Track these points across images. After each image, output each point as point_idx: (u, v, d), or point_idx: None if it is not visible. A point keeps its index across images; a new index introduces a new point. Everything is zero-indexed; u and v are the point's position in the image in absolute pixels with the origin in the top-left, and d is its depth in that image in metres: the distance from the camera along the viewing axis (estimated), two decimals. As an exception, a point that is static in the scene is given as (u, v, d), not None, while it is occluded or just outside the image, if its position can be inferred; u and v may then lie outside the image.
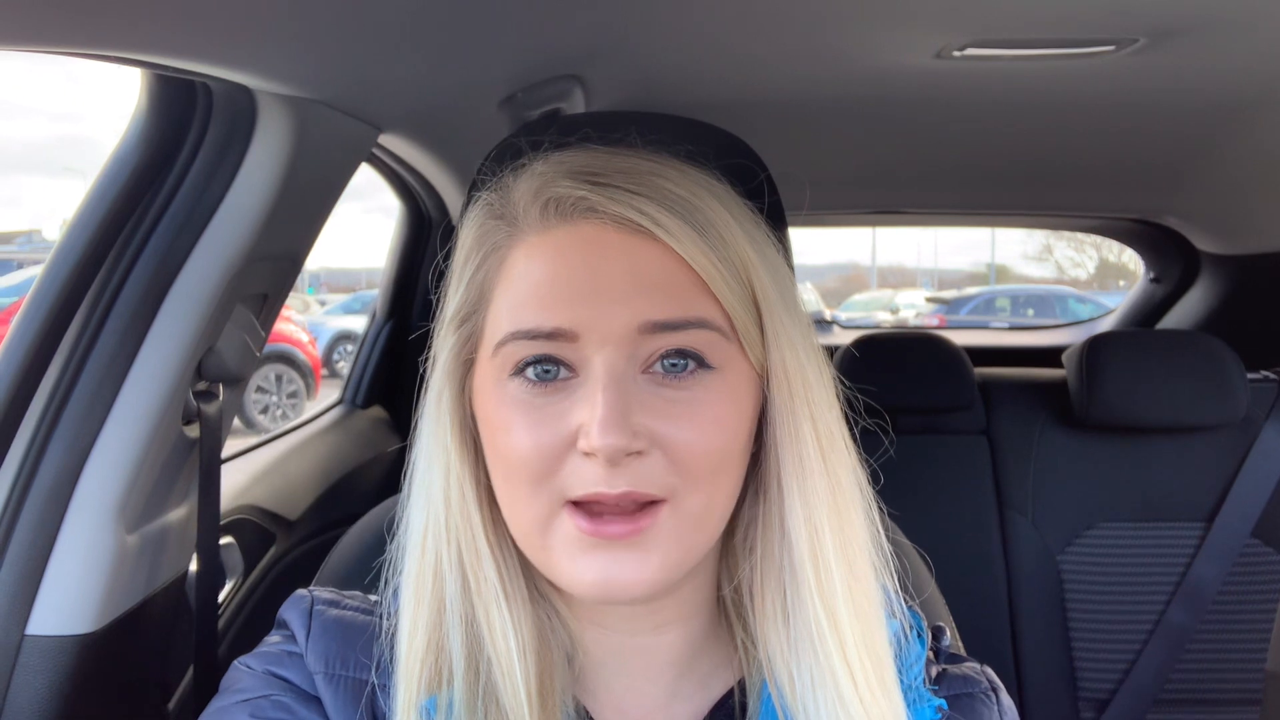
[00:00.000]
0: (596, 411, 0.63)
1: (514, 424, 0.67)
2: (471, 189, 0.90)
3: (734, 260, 0.68)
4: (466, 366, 0.73)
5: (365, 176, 2.02)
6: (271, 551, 1.63)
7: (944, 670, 0.79)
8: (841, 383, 0.74)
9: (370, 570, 0.98)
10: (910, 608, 0.77)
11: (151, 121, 1.07)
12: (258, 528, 1.59)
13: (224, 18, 0.85)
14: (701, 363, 0.67)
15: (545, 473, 0.66)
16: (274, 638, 0.77)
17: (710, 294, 0.67)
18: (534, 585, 0.74)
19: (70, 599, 1.04)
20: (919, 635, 0.77)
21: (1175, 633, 2.18)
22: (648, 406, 0.65)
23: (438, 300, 0.77)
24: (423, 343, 0.77)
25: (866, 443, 0.74)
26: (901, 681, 0.72)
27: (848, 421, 0.73)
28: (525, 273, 0.69)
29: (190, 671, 1.27)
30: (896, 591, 0.74)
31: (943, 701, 0.74)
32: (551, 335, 0.66)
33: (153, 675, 1.20)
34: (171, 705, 1.25)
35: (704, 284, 0.67)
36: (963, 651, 0.87)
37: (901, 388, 2.30)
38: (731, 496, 0.70)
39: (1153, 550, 2.22)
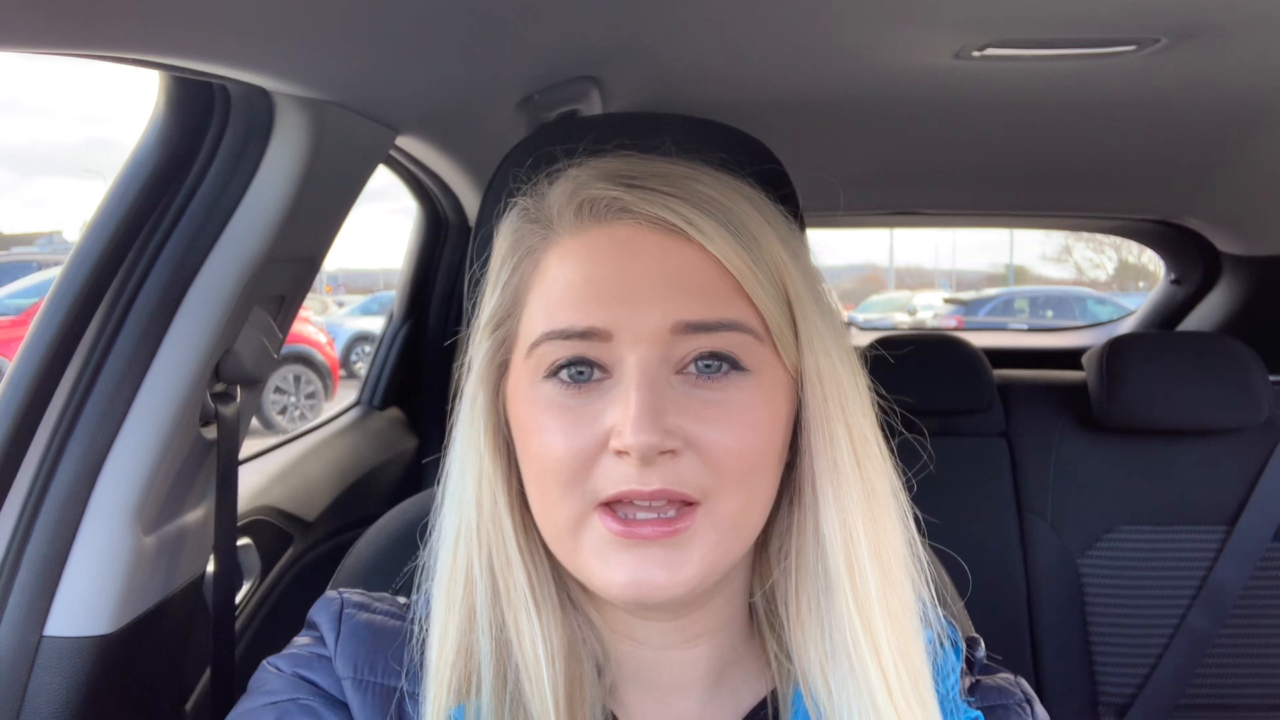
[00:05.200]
0: (629, 410, 0.63)
1: (547, 426, 0.67)
2: (488, 189, 0.90)
3: (768, 262, 0.68)
4: (501, 370, 0.73)
5: (390, 178, 2.03)
6: (289, 552, 1.63)
7: (978, 681, 0.78)
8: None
9: (388, 571, 0.99)
10: (945, 618, 0.76)
11: (169, 124, 1.07)
12: (275, 529, 1.60)
13: (241, 20, 0.85)
14: (735, 364, 0.67)
15: (578, 474, 0.66)
16: (303, 639, 0.77)
17: (744, 295, 0.67)
18: (566, 594, 0.73)
19: (88, 600, 1.04)
20: (954, 646, 0.76)
21: (1196, 637, 2.16)
22: (681, 407, 0.65)
23: (473, 306, 0.77)
24: (441, 344, 0.77)
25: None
26: (937, 692, 0.71)
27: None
28: (559, 274, 0.69)
29: (208, 673, 1.28)
30: (932, 601, 0.73)
31: (979, 714, 0.74)
32: (585, 335, 0.66)
33: (170, 676, 1.20)
34: (189, 706, 1.25)
35: (738, 285, 0.67)
36: None
37: (919, 390, 2.28)
38: (766, 501, 0.70)
39: (1174, 554, 2.20)
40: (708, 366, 0.66)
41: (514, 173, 0.80)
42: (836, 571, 0.68)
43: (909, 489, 0.72)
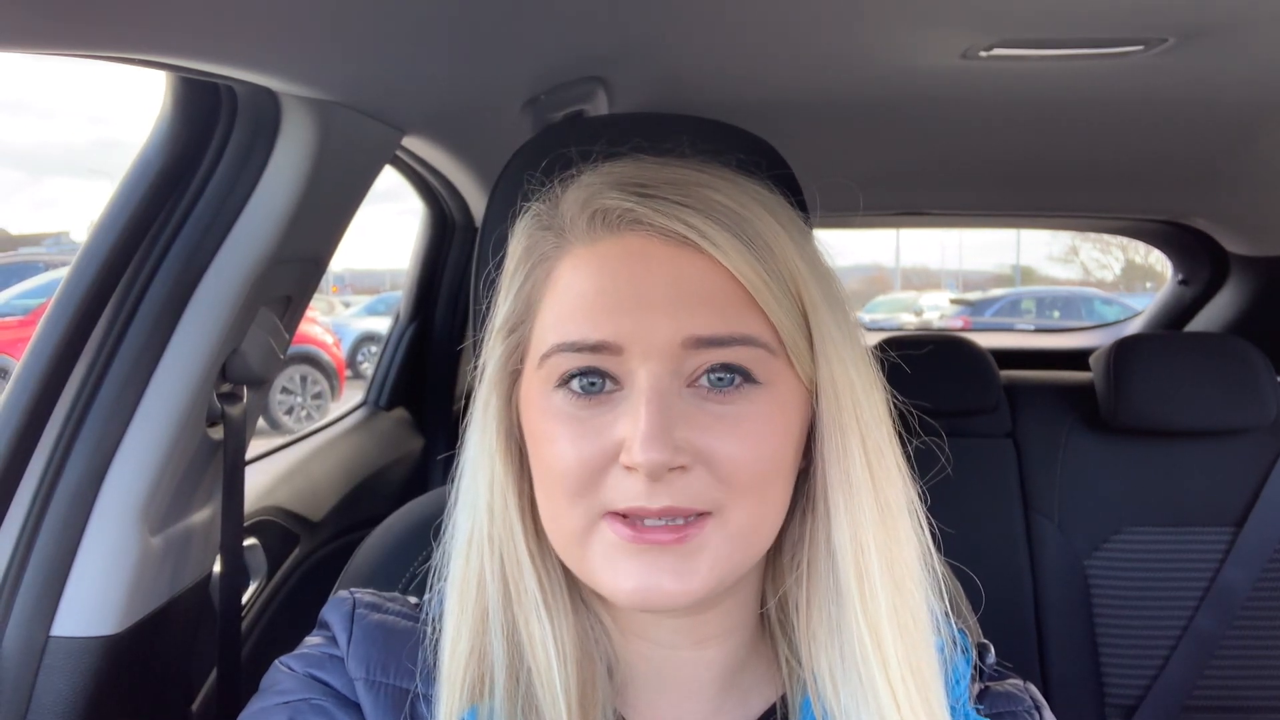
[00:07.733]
0: (639, 426, 0.63)
1: (558, 435, 0.66)
2: (495, 189, 0.90)
3: (782, 273, 0.68)
4: (513, 376, 0.73)
5: (399, 179, 2.03)
6: (295, 553, 1.63)
7: (986, 688, 0.78)
8: None
9: (395, 571, 0.99)
10: (957, 626, 0.76)
11: (175, 124, 1.07)
12: (282, 529, 1.60)
13: (247, 21, 0.85)
14: (748, 378, 0.66)
15: (587, 485, 0.65)
16: (315, 639, 0.77)
17: (757, 308, 0.67)
18: (578, 595, 0.73)
19: (95, 601, 1.04)
20: (964, 653, 0.76)
21: (1204, 639, 2.16)
22: (692, 420, 0.65)
23: (485, 307, 0.77)
24: (447, 345, 0.77)
25: None
26: (947, 701, 0.70)
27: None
28: (571, 284, 0.69)
29: (214, 673, 1.28)
30: (946, 613, 0.73)
31: None
32: (596, 348, 0.66)
33: (176, 676, 1.20)
34: (195, 706, 1.25)
35: (751, 298, 0.66)
36: None
37: (926, 390, 2.27)
38: (779, 511, 0.69)
39: (1181, 555, 2.19)
40: (719, 380, 0.66)
41: (522, 174, 0.80)
42: (847, 584, 0.68)
43: (922, 498, 0.72)
